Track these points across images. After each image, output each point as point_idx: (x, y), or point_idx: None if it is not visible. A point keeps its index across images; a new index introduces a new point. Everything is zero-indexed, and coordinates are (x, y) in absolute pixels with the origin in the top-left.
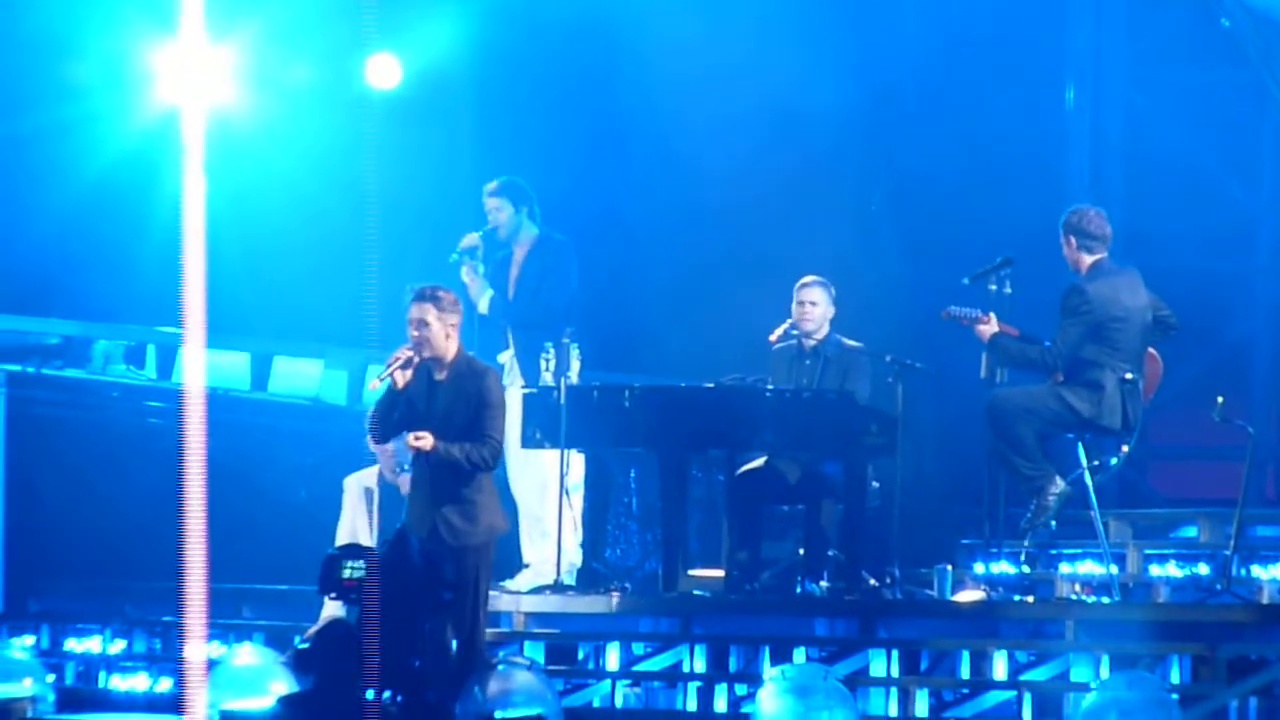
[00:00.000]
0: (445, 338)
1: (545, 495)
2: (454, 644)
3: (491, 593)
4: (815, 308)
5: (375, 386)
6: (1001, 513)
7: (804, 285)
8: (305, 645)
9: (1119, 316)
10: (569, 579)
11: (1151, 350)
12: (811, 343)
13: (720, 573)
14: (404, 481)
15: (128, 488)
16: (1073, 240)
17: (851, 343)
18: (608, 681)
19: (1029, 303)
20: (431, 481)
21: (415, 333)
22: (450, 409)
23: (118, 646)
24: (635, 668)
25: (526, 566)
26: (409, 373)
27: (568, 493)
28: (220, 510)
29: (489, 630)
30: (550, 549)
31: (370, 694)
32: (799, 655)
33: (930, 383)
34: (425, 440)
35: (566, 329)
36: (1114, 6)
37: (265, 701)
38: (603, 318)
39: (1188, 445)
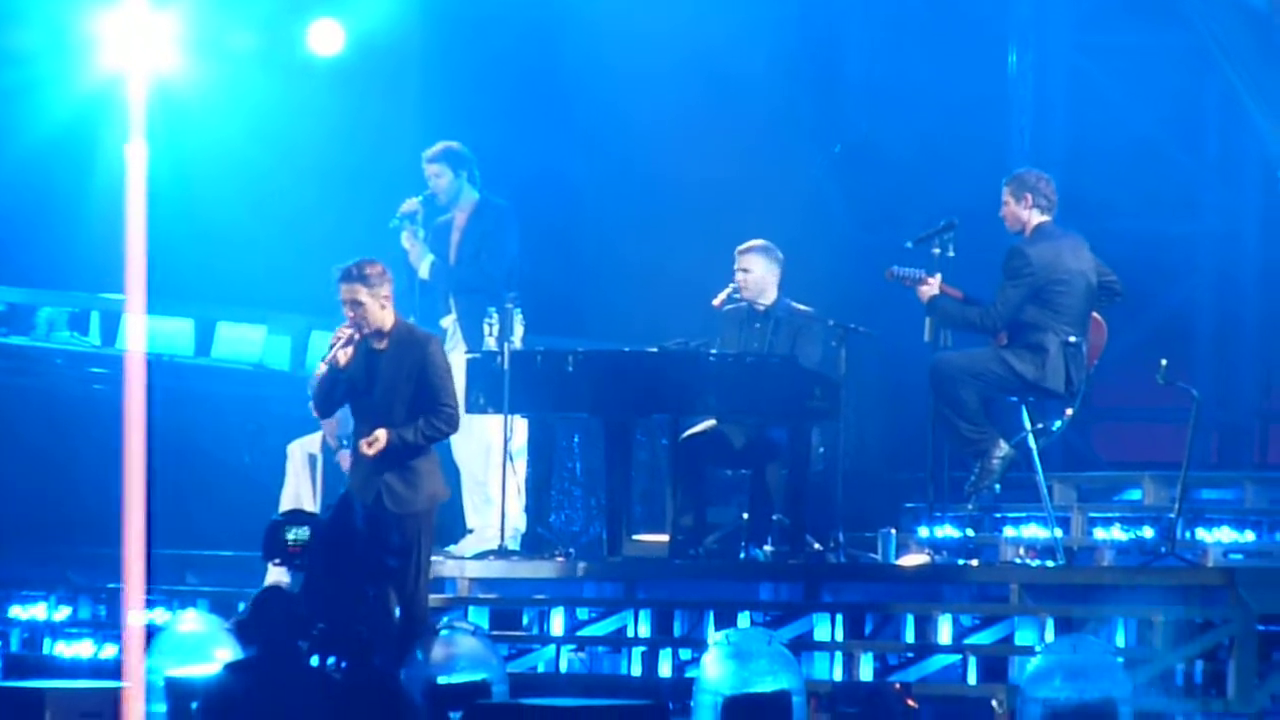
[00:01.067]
0: (380, 309)
1: (489, 460)
2: (397, 610)
3: (436, 558)
4: (750, 274)
5: (322, 371)
6: (945, 476)
7: (741, 251)
8: (242, 619)
9: (1061, 279)
10: (513, 544)
11: (1096, 316)
12: (762, 306)
13: (665, 538)
14: (344, 457)
15: (72, 454)
16: (1027, 197)
17: (801, 307)
18: (552, 646)
19: (972, 266)
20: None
21: (350, 313)
22: (393, 379)
23: (62, 613)
24: (580, 633)
25: (470, 532)
26: (350, 350)
27: (511, 458)
28: (164, 476)
29: (433, 596)
30: (494, 514)
31: (315, 660)
32: (743, 619)
33: (874, 346)
34: (379, 441)
35: (509, 294)
36: None
37: (210, 668)
38: (546, 282)
39: (1132, 408)
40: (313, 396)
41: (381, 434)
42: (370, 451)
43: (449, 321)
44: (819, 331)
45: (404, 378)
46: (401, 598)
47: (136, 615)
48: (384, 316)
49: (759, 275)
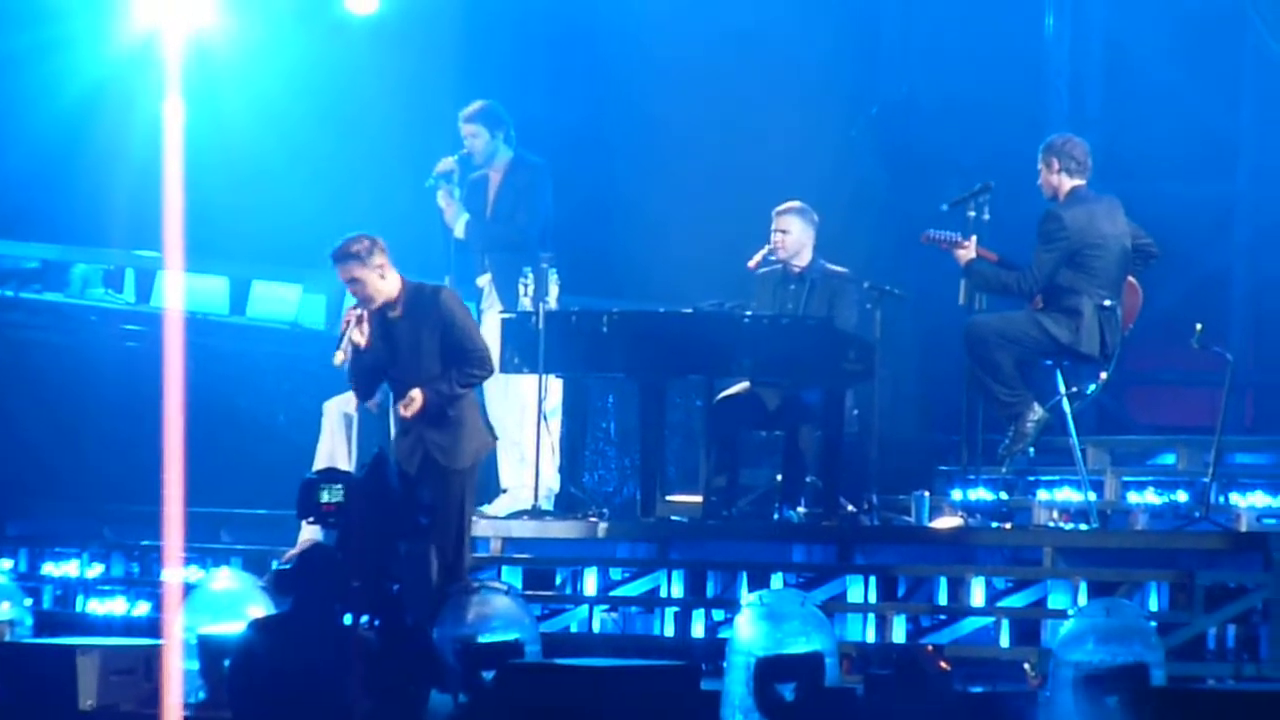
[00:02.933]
0: (381, 279)
1: (524, 420)
2: (433, 568)
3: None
4: (788, 235)
5: (343, 359)
6: (979, 439)
7: (779, 212)
8: (283, 569)
9: (1095, 243)
10: (547, 504)
11: (1131, 279)
12: (797, 268)
13: (698, 498)
14: (373, 403)
15: (106, 412)
16: (1055, 162)
17: (837, 268)
18: (585, 607)
19: (1007, 229)
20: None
21: (353, 291)
22: (415, 340)
23: (95, 570)
24: (613, 593)
25: (504, 491)
26: (365, 327)
27: (546, 418)
28: (198, 435)
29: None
30: (528, 474)
31: (348, 618)
32: (776, 581)
33: (908, 309)
34: (415, 402)
35: (544, 253)
36: None
37: (242, 625)
38: (582, 242)
39: (1166, 372)
40: (351, 384)
41: (416, 393)
42: (408, 412)
43: (484, 280)
44: (855, 294)
45: (426, 335)
46: (439, 555)
47: (174, 572)
48: (387, 285)
49: (796, 236)
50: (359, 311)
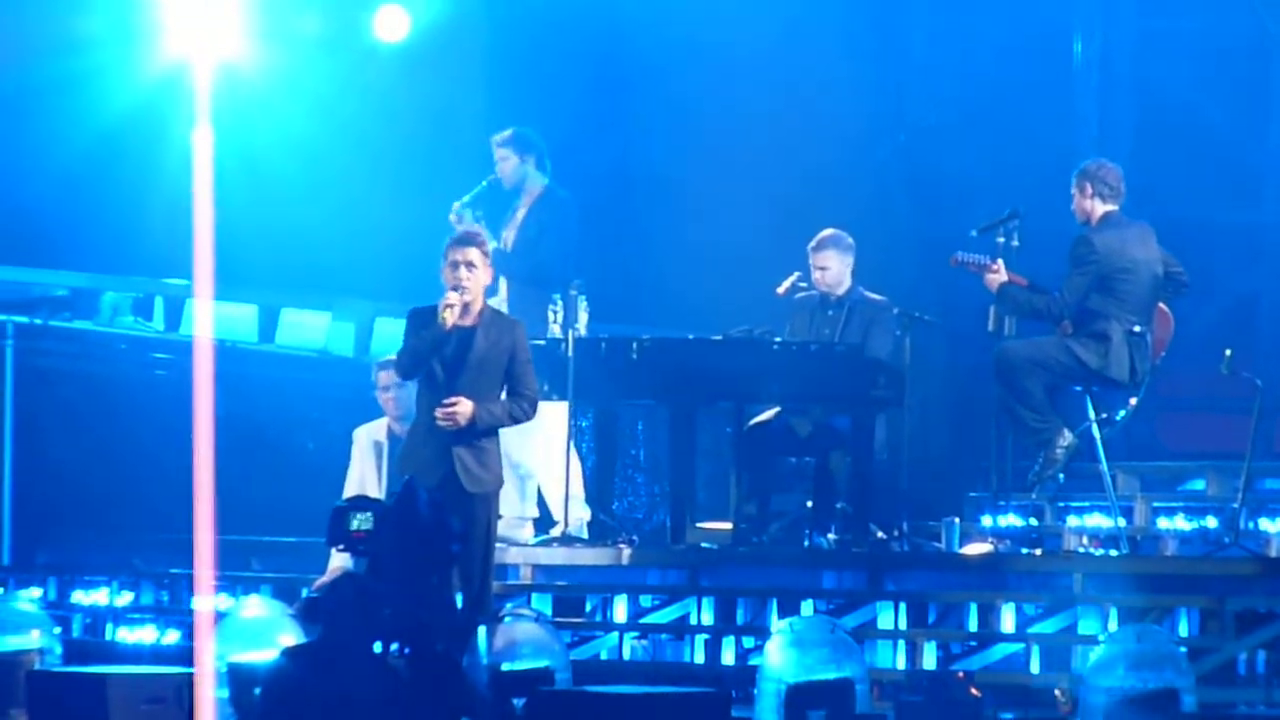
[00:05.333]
0: (487, 279)
1: (551, 448)
2: (461, 596)
3: (499, 545)
4: (827, 271)
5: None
6: (1009, 465)
7: (815, 248)
8: (313, 597)
9: (1126, 268)
10: (577, 531)
11: (1163, 307)
12: (836, 295)
13: (728, 525)
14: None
15: (135, 440)
16: (1088, 187)
17: (875, 296)
18: (615, 634)
19: (1036, 256)
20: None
21: (464, 274)
22: (484, 357)
23: (125, 598)
24: (643, 620)
25: (533, 519)
26: (456, 311)
27: (574, 445)
28: (228, 462)
29: (496, 583)
30: (556, 501)
31: (378, 646)
32: (806, 608)
33: (938, 335)
34: (463, 408)
35: (575, 280)
36: None
37: (273, 653)
38: (611, 269)
39: (1196, 398)
40: (404, 355)
41: (468, 403)
42: (450, 414)
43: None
44: (890, 322)
45: (494, 357)
46: (466, 584)
47: (205, 601)
48: (483, 288)
49: (835, 270)
50: (460, 296)
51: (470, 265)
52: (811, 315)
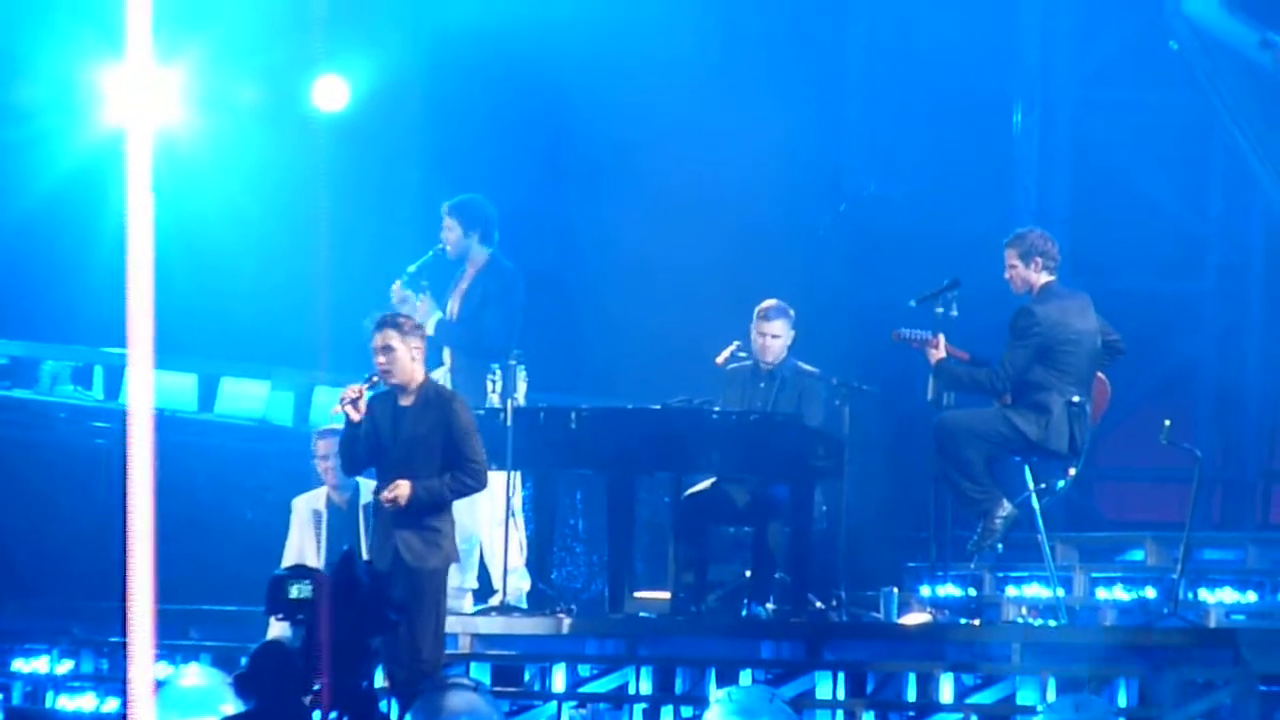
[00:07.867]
0: (411, 361)
1: (491, 518)
2: (400, 666)
3: None
4: (777, 340)
5: (338, 410)
6: (948, 535)
7: (765, 317)
8: (240, 674)
9: (1069, 339)
10: (516, 601)
11: (1100, 375)
12: (767, 365)
13: (666, 595)
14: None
15: (75, 508)
16: (1038, 261)
17: (808, 368)
18: (554, 703)
19: (975, 325)
20: (393, 510)
21: (382, 359)
22: (416, 435)
23: (65, 666)
24: (581, 689)
25: (471, 589)
26: (362, 404)
27: (514, 515)
28: (167, 531)
29: None
30: (496, 571)
31: (317, 715)
32: (745, 677)
33: (877, 405)
34: (401, 491)
35: (514, 350)
36: (1062, 28)
37: None
38: (549, 339)
39: (1135, 468)
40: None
41: (405, 484)
42: (391, 498)
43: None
44: (823, 392)
45: (428, 435)
46: (408, 652)
47: (143, 670)
48: (414, 369)
49: (783, 341)
50: (360, 386)
51: (388, 349)
52: (744, 386)
